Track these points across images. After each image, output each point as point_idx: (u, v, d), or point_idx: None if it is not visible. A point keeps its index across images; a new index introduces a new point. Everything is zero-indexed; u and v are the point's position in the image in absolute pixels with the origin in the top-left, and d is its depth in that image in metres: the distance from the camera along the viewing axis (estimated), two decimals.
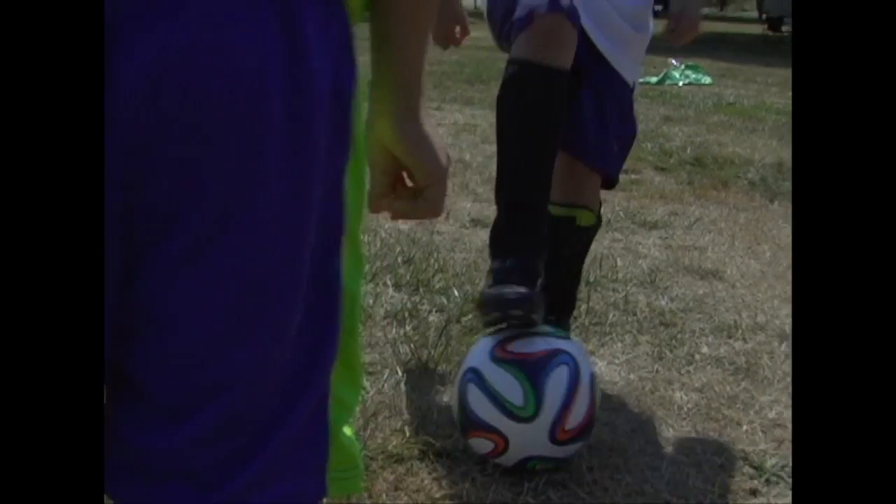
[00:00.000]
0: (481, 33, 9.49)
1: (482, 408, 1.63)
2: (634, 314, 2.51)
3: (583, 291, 2.63)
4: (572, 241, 2.05)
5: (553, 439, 1.62)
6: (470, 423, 1.66)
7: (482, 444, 1.66)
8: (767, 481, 1.70)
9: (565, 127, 1.85)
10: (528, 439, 1.62)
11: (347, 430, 0.90)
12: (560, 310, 2.09)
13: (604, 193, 4.03)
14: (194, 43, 0.61)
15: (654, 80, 8.72)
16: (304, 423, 0.78)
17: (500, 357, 1.65)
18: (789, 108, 7.13)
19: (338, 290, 0.78)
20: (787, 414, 1.97)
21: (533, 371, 1.62)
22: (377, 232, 3.21)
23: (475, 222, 3.44)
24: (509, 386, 1.61)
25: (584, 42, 1.87)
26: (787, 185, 4.24)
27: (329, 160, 0.72)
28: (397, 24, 0.80)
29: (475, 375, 1.65)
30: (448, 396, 1.96)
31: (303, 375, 0.77)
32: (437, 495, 1.61)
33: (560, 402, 1.60)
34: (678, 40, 2.04)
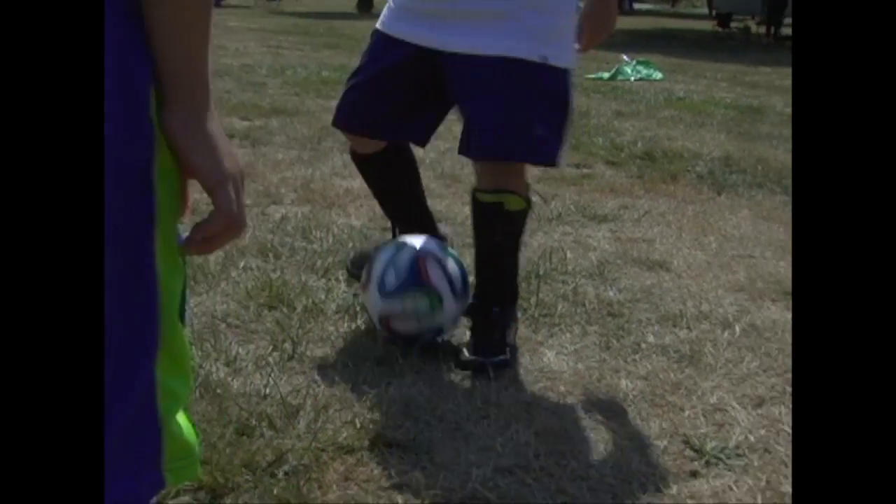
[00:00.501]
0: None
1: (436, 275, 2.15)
2: (583, 305, 2.56)
3: (532, 284, 2.68)
4: (501, 226, 2.13)
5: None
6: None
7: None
8: (707, 463, 1.76)
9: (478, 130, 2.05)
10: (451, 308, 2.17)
11: (181, 420, 0.92)
12: (501, 298, 2.16)
13: (555, 187, 4.09)
14: None
15: (606, 75, 8.81)
16: (131, 418, 0.81)
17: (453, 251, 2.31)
18: (737, 102, 7.27)
19: (152, 283, 0.81)
20: (728, 399, 2.03)
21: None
22: (329, 227, 3.22)
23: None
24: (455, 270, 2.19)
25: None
26: (734, 178, 4.33)
27: (123, 152, 0.77)
28: (164, 20, 0.82)
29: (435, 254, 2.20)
30: (399, 388, 1.99)
31: (123, 370, 0.79)
32: (387, 485, 1.64)
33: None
34: (589, 43, 2.17)
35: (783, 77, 8.97)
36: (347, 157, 4.49)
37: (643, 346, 2.31)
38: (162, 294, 0.83)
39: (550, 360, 2.21)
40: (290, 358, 2.12)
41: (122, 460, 0.80)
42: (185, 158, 0.84)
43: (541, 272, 2.80)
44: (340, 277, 2.69)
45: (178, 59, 0.83)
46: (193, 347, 2.13)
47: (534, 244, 3.16)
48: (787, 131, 5.18)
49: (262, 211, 3.42)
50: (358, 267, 2.38)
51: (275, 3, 20.19)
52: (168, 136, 0.83)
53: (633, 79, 8.78)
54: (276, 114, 5.57)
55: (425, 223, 2.49)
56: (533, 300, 2.56)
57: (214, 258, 2.77)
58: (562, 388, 2.05)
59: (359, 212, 3.50)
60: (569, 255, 3.04)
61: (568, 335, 2.37)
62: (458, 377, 2.08)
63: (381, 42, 2.19)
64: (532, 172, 4.33)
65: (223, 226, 0.87)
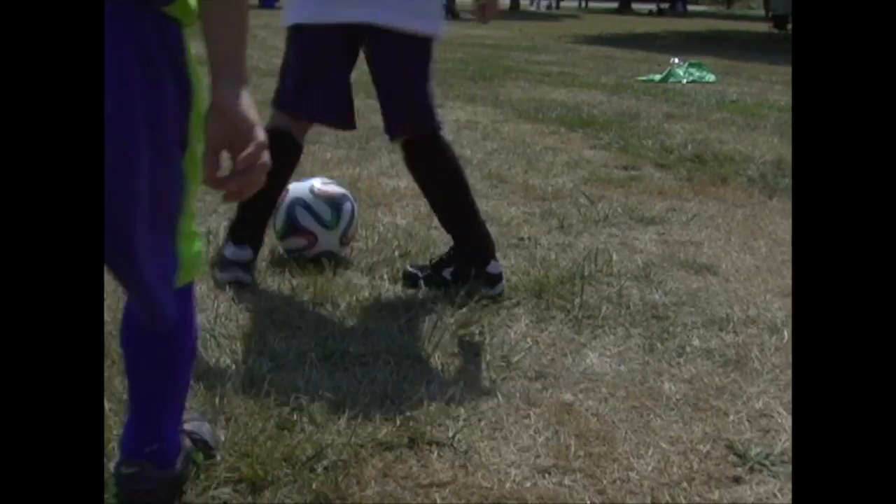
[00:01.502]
0: (485, 31, 9.68)
1: (305, 219, 2.76)
2: (627, 308, 2.54)
3: (577, 285, 2.67)
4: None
5: (341, 242, 2.84)
6: (294, 228, 2.76)
7: (298, 242, 2.78)
8: (751, 469, 1.73)
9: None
10: (328, 240, 2.79)
11: (196, 246, 1.41)
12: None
13: (602, 189, 4.05)
14: None
15: (657, 77, 8.73)
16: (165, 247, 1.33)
17: (317, 193, 2.82)
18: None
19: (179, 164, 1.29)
20: (774, 404, 1.99)
21: (335, 203, 2.82)
22: (374, 226, 3.24)
23: None
24: (323, 209, 2.78)
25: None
26: (787, 182, 4.25)
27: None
28: (219, 20, 1.25)
29: (302, 201, 2.77)
30: (440, 386, 1.99)
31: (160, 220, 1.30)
32: (425, 482, 1.64)
33: (347, 222, 2.82)
34: (482, 20, 2.66)
35: None
36: (395, 156, 4.53)
37: (688, 349, 2.28)
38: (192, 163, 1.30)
39: (593, 361, 2.19)
40: (333, 354, 2.13)
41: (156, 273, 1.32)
42: (232, 111, 1.22)
43: (585, 273, 2.78)
44: (385, 276, 2.70)
45: (230, 46, 1.25)
46: (238, 342, 2.15)
47: (579, 245, 3.14)
48: None
49: None
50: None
51: None
52: (218, 98, 1.22)
53: (685, 81, 8.68)
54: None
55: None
56: (577, 301, 2.54)
57: (261, 255, 2.80)
58: (604, 390, 2.03)
59: (404, 211, 3.51)
60: (614, 256, 3.01)
61: (611, 337, 2.35)
62: (499, 377, 2.08)
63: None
64: (578, 174, 4.32)
65: (259, 154, 1.23)
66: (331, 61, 2.47)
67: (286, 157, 2.49)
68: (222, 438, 1.71)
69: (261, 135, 1.23)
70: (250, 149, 1.22)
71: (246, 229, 2.57)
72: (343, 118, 2.59)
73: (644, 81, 8.63)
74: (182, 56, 1.24)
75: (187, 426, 1.61)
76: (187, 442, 1.58)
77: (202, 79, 1.28)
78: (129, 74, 1.15)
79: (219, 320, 2.29)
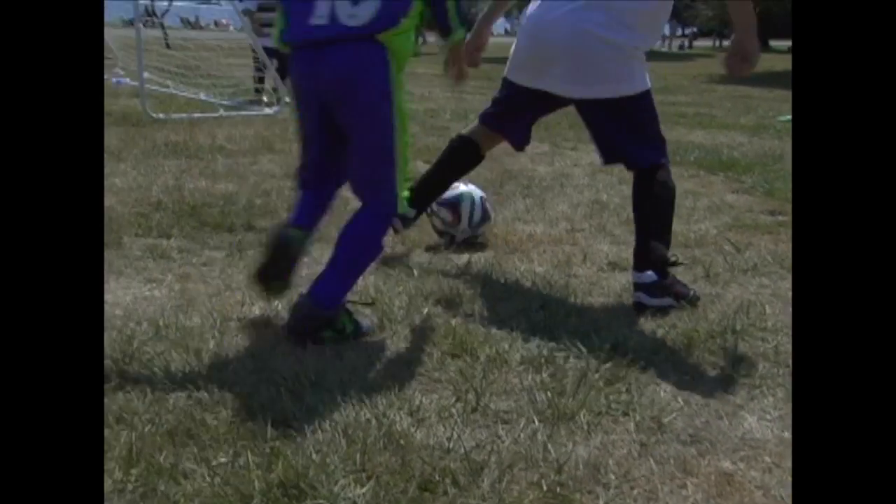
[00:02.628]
0: None
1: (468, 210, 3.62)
2: (787, 366, 2.36)
3: (728, 340, 2.51)
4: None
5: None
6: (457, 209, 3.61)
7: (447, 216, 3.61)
8: None
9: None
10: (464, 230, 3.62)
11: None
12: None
13: (748, 236, 3.86)
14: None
15: None
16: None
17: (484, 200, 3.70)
18: None
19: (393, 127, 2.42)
20: None
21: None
22: (512, 274, 3.16)
23: (613, 265, 3.34)
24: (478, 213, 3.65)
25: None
26: None
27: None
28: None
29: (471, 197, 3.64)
30: (587, 448, 1.88)
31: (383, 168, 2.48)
32: None
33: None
34: (735, 73, 2.71)
35: None
36: (529, 201, 4.47)
37: None
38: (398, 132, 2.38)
39: (752, 425, 2.03)
40: (474, 410, 2.06)
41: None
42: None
43: (737, 327, 2.61)
44: (523, 326, 2.61)
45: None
46: (378, 395, 2.11)
47: (728, 297, 2.97)
48: None
49: (445, 256, 3.41)
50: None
51: None
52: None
53: None
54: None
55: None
56: (730, 358, 2.38)
57: (399, 302, 2.77)
58: (767, 460, 1.87)
59: (542, 258, 3.43)
60: (767, 309, 2.83)
61: (770, 399, 2.18)
62: (650, 439, 1.95)
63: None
64: (722, 220, 4.14)
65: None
66: (522, 107, 3.15)
67: (469, 161, 3.36)
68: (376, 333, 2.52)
69: None
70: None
71: (417, 200, 3.29)
72: (520, 142, 3.31)
73: (786, 121, 8.28)
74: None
75: (351, 308, 2.55)
76: (349, 307, 2.53)
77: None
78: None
79: (357, 372, 2.26)
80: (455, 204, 3.57)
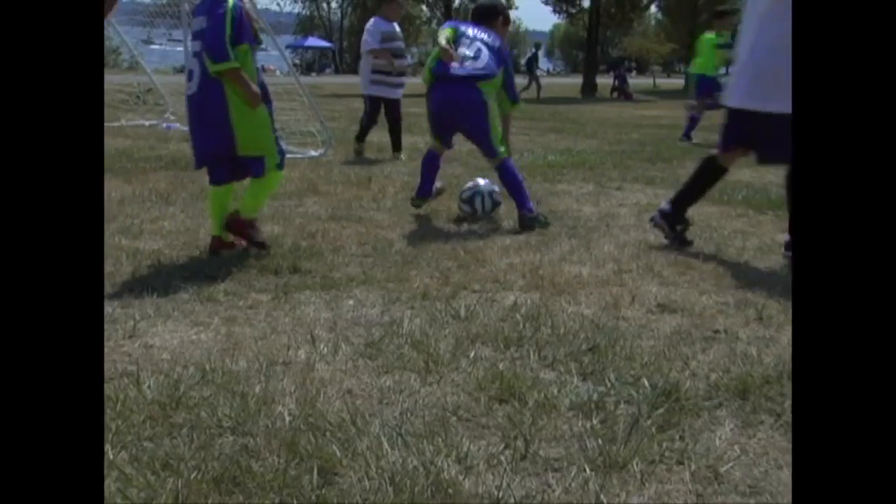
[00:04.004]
0: (661, 111, 9.69)
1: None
2: None
3: (785, 385, 2.46)
4: None
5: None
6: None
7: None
8: None
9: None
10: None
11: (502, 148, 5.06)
12: None
13: None
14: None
15: None
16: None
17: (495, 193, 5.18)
18: None
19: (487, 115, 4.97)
20: None
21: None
22: (559, 316, 3.12)
23: (662, 307, 3.28)
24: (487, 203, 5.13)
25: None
26: None
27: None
28: None
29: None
30: (641, 498, 1.82)
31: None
32: None
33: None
34: None
35: None
36: (576, 241, 4.43)
37: None
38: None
39: None
40: (523, 457, 2.01)
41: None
42: None
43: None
44: (572, 370, 2.56)
45: None
46: (425, 441, 2.07)
47: (782, 340, 2.89)
48: None
49: (491, 297, 3.38)
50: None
51: None
52: None
53: None
54: (504, 198, 5.59)
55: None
56: (787, 404, 2.31)
57: (445, 346, 2.74)
58: None
59: (589, 299, 3.38)
60: None
61: None
62: (707, 490, 1.88)
63: None
64: (772, 260, 4.06)
65: None
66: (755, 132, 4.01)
67: (714, 176, 4.42)
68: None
69: None
70: None
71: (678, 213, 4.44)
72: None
73: None
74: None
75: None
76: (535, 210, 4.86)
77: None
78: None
79: (404, 416, 2.22)
80: (471, 200, 5.02)
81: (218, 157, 3.96)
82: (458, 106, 4.88)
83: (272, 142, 4.00)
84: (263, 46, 9.95)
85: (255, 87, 3.82)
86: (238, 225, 4.02)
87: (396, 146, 8.14)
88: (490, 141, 4.89)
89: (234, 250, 4.04)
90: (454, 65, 4.83)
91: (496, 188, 5.05)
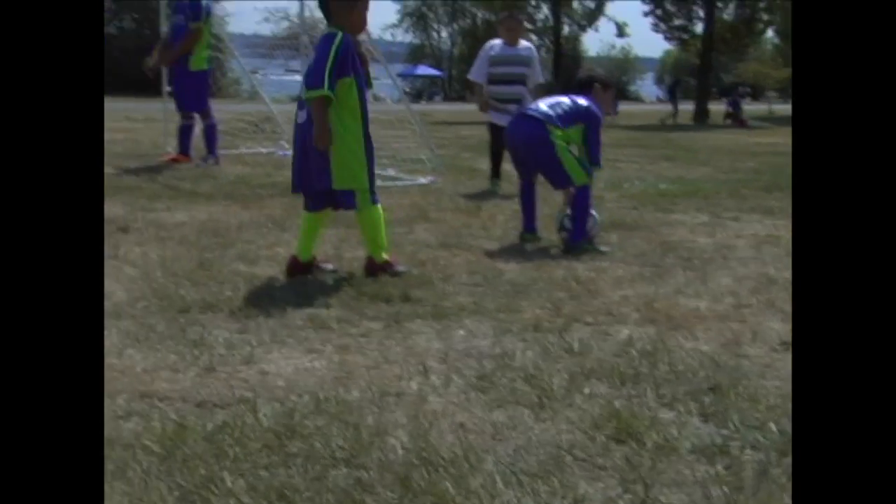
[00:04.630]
0: (777, 138, 9.43)
1: None
2: None
3: None
4: None
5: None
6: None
7: None
8: None
9: None
10: None
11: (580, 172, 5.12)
12: None
13: None
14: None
15: None
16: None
17: None
18: None
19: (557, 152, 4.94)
20: None
21: None
22: (676, 353, 3.01)
23: (786, 345, 3.13)
24: None
25: None
26: None
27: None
28: None
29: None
30: None
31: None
32: None
33: None
34: None
35: None
36: (691, 274, 4.29)
37: None
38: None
39: None
40: (643, 503, 1.93)
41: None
42: None
43: None
44: (693, 411, 2.46)
45: None
46: (540, 481, 2.02)
47: None
48: None
49: (605, 331, 3.30)
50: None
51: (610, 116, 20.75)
52: None
53: None
54: (615, 228, 5.50)
55: None
56: None
57: (559, 381, 2.68)
58: None
59: (707, 335, 3.26)
60: None
61: None
62: None
63: None
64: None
65: None
66: None
67: None
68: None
69: None
70: None
71: None
72: None
73: None
74: None
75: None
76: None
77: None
78: None
79: (518, 453, 2.18)
80: (563, 224, 5.15)
81: (315, 190, 4.06)
82: (522, 141, 5.06)
83: (365, 176, 4.05)
84: (375, 76, 10.13)
85: (329, 126, 3.89)
86: (376, 269, 4.10)
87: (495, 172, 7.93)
88: (561, 174, 4.95)
89: (308, 275, 4.09)
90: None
91: (593, 212, 5.06)
